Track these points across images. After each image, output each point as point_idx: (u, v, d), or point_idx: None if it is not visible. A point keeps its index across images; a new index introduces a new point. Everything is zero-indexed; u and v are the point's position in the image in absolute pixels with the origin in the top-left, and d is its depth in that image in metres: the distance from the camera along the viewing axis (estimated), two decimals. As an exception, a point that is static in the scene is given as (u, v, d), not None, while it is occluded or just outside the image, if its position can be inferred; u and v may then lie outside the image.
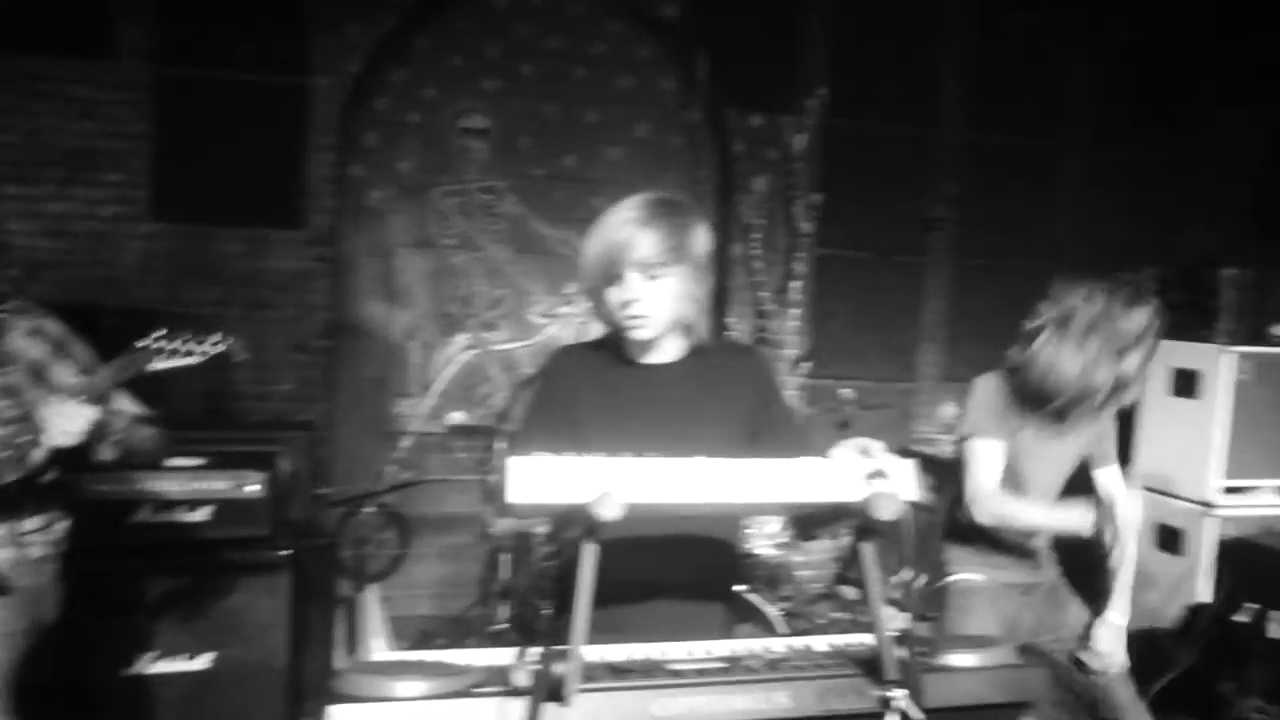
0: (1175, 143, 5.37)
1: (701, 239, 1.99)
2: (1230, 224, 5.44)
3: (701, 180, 5.27)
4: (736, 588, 3.61)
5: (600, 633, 1.65)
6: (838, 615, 4.85)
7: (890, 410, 5.41)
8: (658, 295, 1.93)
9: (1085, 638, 2.80)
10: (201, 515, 3.32)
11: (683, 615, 1.93)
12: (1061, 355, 2.64)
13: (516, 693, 1.39)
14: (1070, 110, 5.58)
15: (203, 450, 3.45)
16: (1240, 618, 4.07)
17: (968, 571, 2.79)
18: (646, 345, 2.03)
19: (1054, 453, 2.80)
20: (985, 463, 2.69)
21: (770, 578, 4.58)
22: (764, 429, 2.01)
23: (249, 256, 4.56)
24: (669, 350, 2.05)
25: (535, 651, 1.40)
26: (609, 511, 1.35)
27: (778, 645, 1.73)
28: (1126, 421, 4.87)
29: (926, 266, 5.38)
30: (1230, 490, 4.44)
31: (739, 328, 5.17)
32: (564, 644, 1.39)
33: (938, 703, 1.56)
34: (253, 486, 3.39)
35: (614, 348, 2.08)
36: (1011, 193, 5.47)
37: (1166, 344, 4.72)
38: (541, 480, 1.42)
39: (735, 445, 1.94)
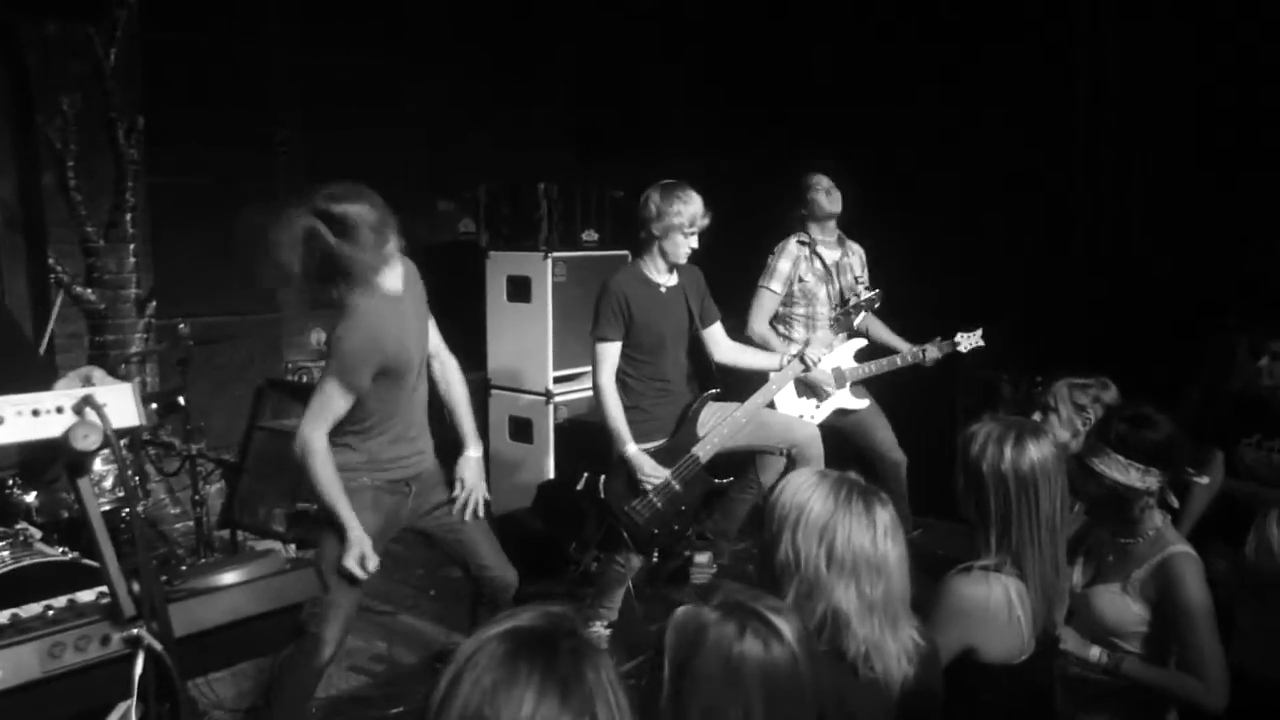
0: (508, 68, 5.84)
1: None
2: (553, 144, 6.10)
3: (-10, 96, 4.47)
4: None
5: None
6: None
7: (258, 342, 5.23)
8: None
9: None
10: None
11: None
12: None
13: None
14: (411, 31, 5.72)
15: None
16: (578, 486, 4.70)
17: (352, 475, 2.80)
18: None
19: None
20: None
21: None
22: None
23: None
24: None
25: None
26: None
27: (27, 611, 1.55)
28: (476, 327, 5.30)
29: (276, 192, 5.20)
30: (559, 379, 5.08)
31: (65, 268, 4.54)
32: None
33: (199, 626, 1.52)
34: None
35: None
36: (358, 112, 5.47)
37: (501, 255, 5.23)
38: None
39: None
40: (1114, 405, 2.75)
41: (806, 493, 1.75)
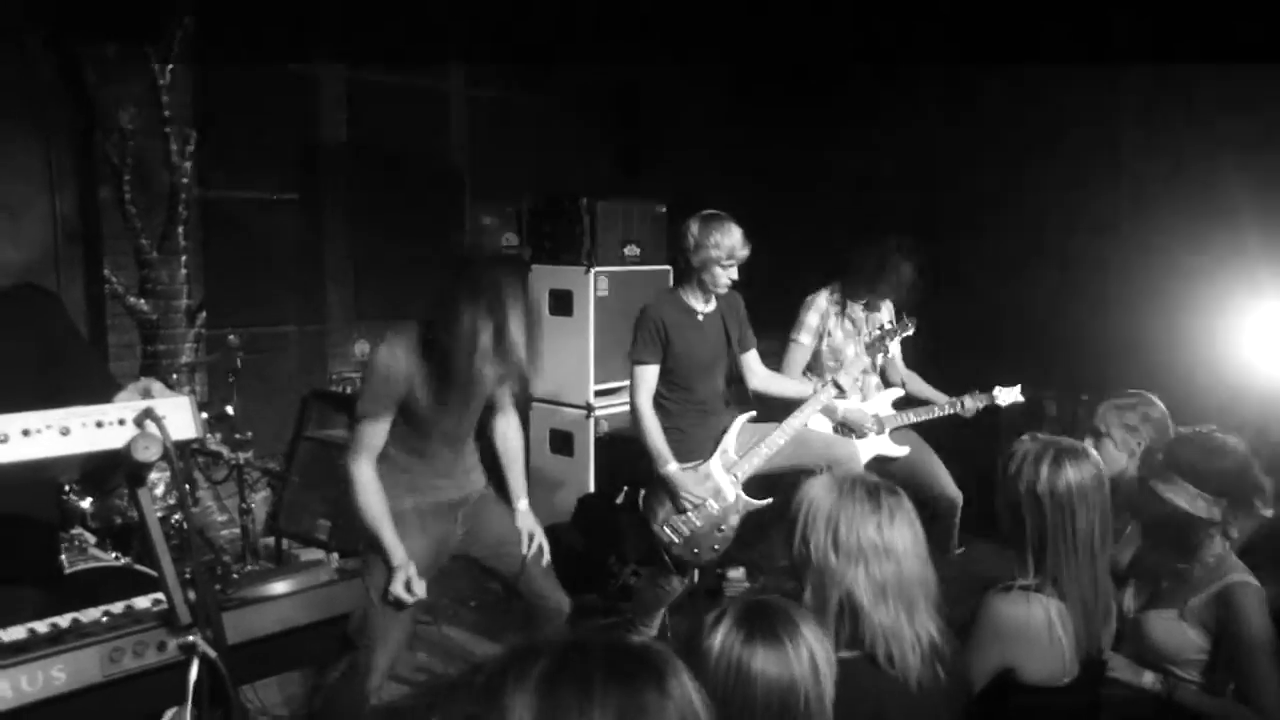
0: (547, 88, 5.89)
1: None
2: (598, 161, 6.15)
3: (53, 113, 4.60)
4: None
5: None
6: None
7: (302, 353, 5.32)
8: None
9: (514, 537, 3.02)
10: None
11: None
12: None
13: None
14: (455, 49, 5.79)
15: None
16: (617, 500, 4.72)
17: (395, 497, 2.81)
18: None
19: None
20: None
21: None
22: (62, 379, 1.82)
23: None
24: None
25: None
26: None
27: (87, 615, 1.59)
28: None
29: (323, 206, 5.30)
30: (600, 393, 5.10)
31: (119, 279, 4.66)
32: None
33: (251, 634, 1.56)
34: None
35: None
36: (403, 128, 5.57)
37: (543, 268, 5.28)
38: None
39: (22, 398, 1.73)
40: (1183, 431, 2.66)
41: (815, 491, 1.91)
